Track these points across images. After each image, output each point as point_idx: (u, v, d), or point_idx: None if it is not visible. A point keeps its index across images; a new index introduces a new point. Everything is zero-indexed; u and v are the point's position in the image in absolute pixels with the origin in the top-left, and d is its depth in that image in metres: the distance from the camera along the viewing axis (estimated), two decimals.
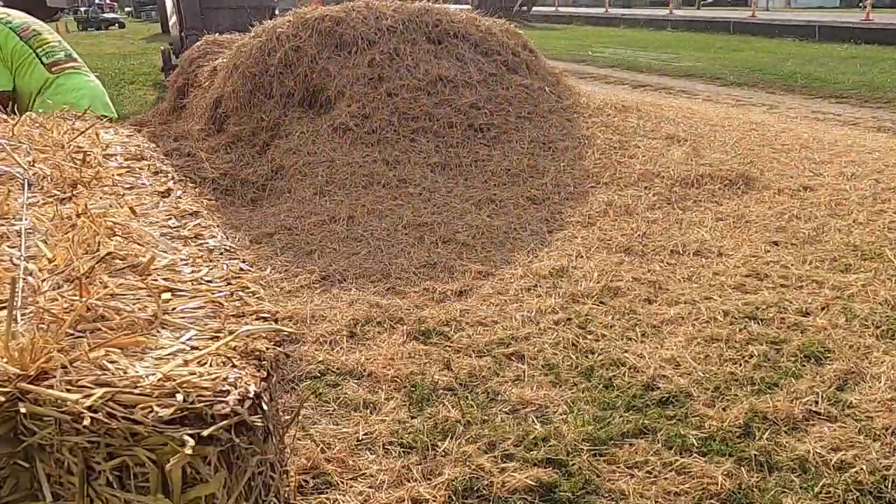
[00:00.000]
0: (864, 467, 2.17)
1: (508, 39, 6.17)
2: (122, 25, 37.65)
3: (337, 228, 4.33)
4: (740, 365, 2.83)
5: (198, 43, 7.44)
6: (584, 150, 5.30)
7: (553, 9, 32.76)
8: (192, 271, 1.39)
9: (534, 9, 29.27)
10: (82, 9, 43.40)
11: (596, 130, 5.60)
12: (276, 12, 11.52)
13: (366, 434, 2.49)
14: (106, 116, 3.87)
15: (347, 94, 5.37)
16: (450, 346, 3.06)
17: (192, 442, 0.91)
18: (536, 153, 5.20)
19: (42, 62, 3.62)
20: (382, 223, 4.39)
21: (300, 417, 2.58)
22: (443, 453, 2.35)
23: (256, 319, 1.24)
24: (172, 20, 12.69)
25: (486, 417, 2.57)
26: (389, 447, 2.40)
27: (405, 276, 3.76)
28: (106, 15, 39.20)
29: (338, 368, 2.92)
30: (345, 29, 5.62)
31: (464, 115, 5.37)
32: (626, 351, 2.94)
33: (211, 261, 1.50)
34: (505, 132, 5.38)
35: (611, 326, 3.17)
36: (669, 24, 23.72)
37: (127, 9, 52.60)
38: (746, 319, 3.18)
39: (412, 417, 2.59)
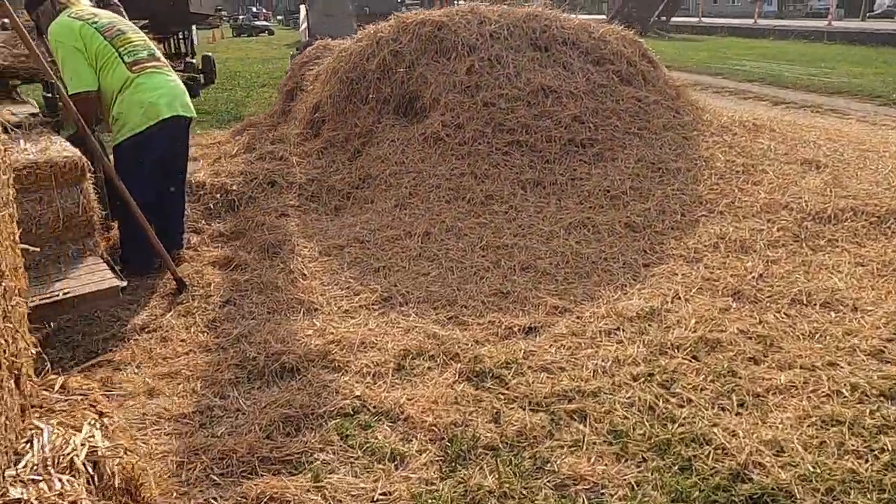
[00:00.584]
0: None
1: (625, 48, 5.63)
2: (270, 32, 40.07)
3: (410, 245, 4.04)
4: (866, 461, 2.21)
5: (310, 47, 7.48)
6: (700, 173, 4.68)
7: (696, 19, 31.02)
8: None
9: (676, 19, 27.83)
10: (241, 17, 46.88)
11: (717, 151, 4.94)
12: None
13: (383, 494, 2.15)
14: (182, 116, 3.83)
15: (442, 102, 5.09)
16: (503, 394, 2.66)
17: None
18: (642, 174, 4.65)
19: (123, 61, 3.62)
20: (459, 242, 4.05)
21: (318, 462, 2.29)
22: None
23: None
24: (302, 27, 13.09)
25: (526, 492, 2.15)
26: None
27: (472, 304, 3.39)
28: (257, 22, 42.02)
29: (374, 407, 2.61)
30: (446, 34, 5.35)
31: (565, 128, 4.91)
32: (715, 424, 2.41)
33: None
34: (609, 149, 4.87)
35: (701, 390, 2.63)
36: (826, 36, 21.60)
37: (279, 17, 56.14)
38: (882, 399, 2.52)
39: (441, 479, 2.22)
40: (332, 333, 3.13)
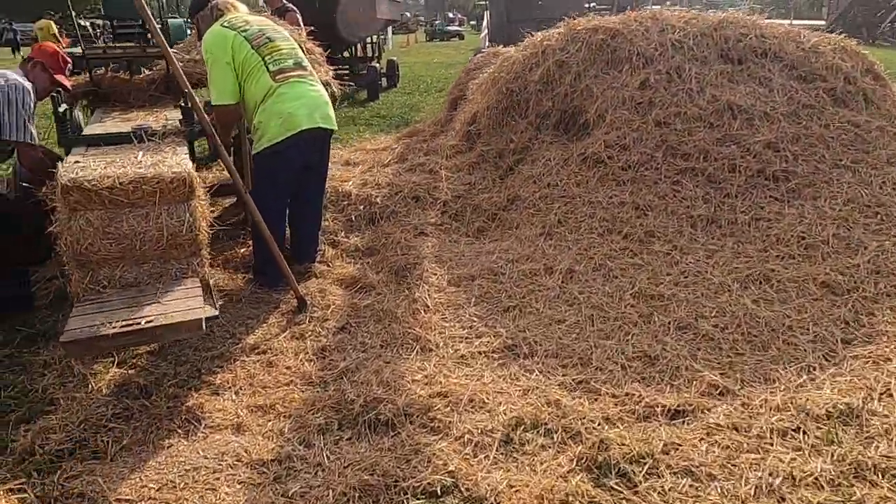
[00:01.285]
0: None
1: (843, 61, 4.64)
2: (461, 37, 40.98)
3: (549, 283, 3.54)
4: None
5: (478, 55, 7.20)
6: None
7: None
8: None
9: None
10: (436, 22, 48.62)
11: None
12: None
13: None
14: (322, 128, 3.67)
15: (608, 119, 4.51)
16: (629, 501, 2.11)
17: None
18: (852, 219, 3.73)
19: (268, 70, 3.52)
20: (606, 286, 3.48)
21: None
22: None
23: None
24: (483, 33, 12.94)
25: None
26: None
27: (608, 367, 2.84)
28: (449, 28, 43.23)
29: (467, 489, 2.19)
30: (619, 43, 4.76)
31: (754, 156, 4.11)
32: None
33: None
34: (810, 184, 3.99)
35: None
36: None
37: (472, 22, 57.45)
38: None
39: None
40: (441, 383, 2.75)
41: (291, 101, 3.55)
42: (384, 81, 13.55)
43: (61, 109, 2.87)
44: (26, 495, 2.20)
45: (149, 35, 4.52)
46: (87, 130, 3.36)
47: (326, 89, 4.72)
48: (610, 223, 3.98)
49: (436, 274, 3.76)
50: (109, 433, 2.49)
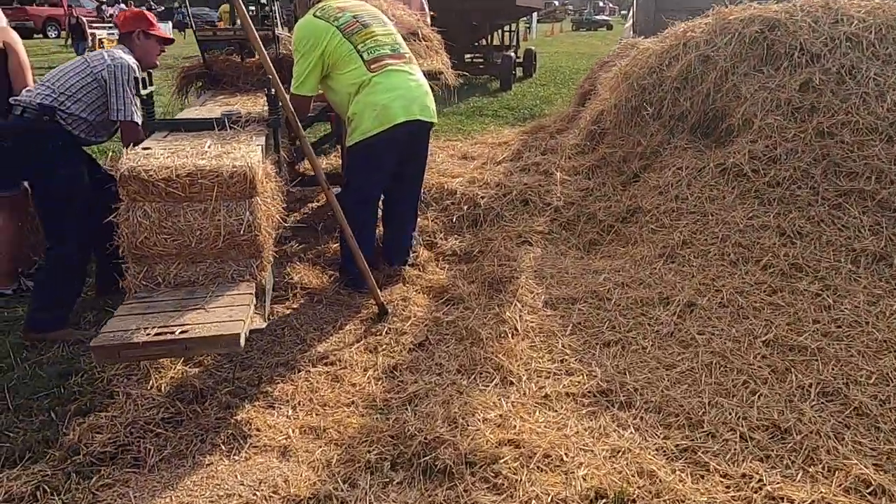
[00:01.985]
0: None
1: None
2: (609, 27, 39.36)
3: (662, 317, 3.02)
4: None
5: (616, 47, 6.59)
6: None
7: None
8: None
9: None
10: (585, 10, 47.11)
11: None
12: None
13: None
14: (420, 120, 3.36)
15: (756, 125, 3.84)
16: None
17: None
18: None
19: (362, 59, 3.25)
20: (733, 328, 2.90)
21: None
22: None
23: None
24: (628, 23, 12.10)
25: None
26: None
27: (724, 434, 2.31)
28: (597, 17, 41.65)
29: None
30: (778, 36, 4.03)
31: None
32: None
33: None
34: None
35: None
36: None
37: (623, 12, 55.17)
38: None
39: None
40: (515, 427, 2.36)
41: (387, 93, 3.27)
42: (518, 72, 13.10)
43: (145, 92, 2.76)
44: (56, 499, 2.08)
45: (262, 16, 4.38)
46: (182, 115, 3.27)
47: (438, 79, 4.43)
48: (747, 250, 3.36)
49: (532, 292, 3.35)
50: (154, 440, 2.35)
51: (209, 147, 2.40)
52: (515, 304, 3.23)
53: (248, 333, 2.17)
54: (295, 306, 3.33)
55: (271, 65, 2.72)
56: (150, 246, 2.24)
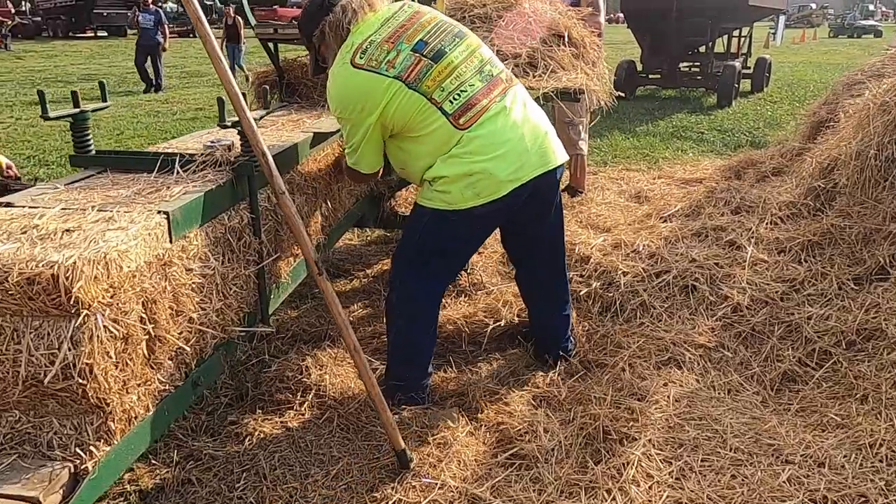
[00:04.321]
0: None
1: None
2: (878, 34, 33.16)
3: None
4: None
5: (876, 58, 4.65)
6: None
7: None
8: None
9: None
10: (849, 14, 40.56)
11: None
12: None
13: None
14: (540, 176, 2.16)
15: None
16: None
17: None
18: None
19: (444, 113, 2.09)
20: None
21: None
22: None
23: None
24: None
25: None
26: None
27: None
28: (862, 22, 35.39)
29: None
30: None
31: None
32: None
33: None
34: None
35: None
36: None
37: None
38: None
39: None
40: None
41: (486, 153, 2.10)
42: (746, 84, 10.91)
43: (65, 112, 1.87)
44: None
45: None
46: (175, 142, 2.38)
47: (578, 99, 3.14)
48: None
49: (652, 479, 1.96)
50: None
51: (89, 213, 1.45)
52: (616, 498, 1.88)
53: None
54: (292, 424, 2.30)
55: (227, 72, 1.69)
56: None
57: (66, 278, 1.23)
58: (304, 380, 2.49)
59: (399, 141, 2.21)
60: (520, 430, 2.23)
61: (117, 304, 1.34)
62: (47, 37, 26.52)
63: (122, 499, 1.97)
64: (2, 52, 19.74)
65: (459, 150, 2.12)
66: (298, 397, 2.42)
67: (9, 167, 2.60)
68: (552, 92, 2.96)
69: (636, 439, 2.12)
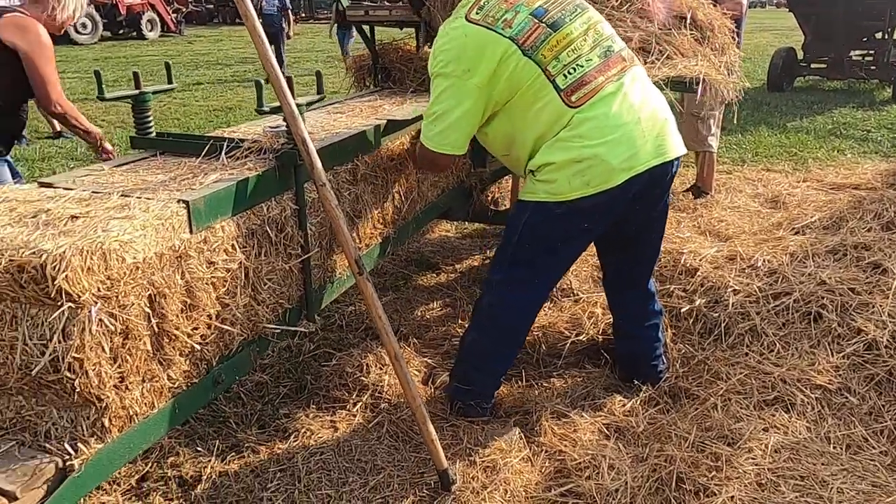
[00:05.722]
0: None
1: None
2: None
3: None
4: None
5: None
6: None
7: None
8: None
9: None
10: None
11: None
12: None
13: None
14: (654, 168, 1.92)
15: None
16: None
17: None
18: None
19: (556, 88, 1.88)
20: None
21: None
22: None
23: None
24: None
25: None
26: None
27: None
28: None
29: None
30: None
31: None
32: None
33: None
34: None
35: None
36: None
37: None
38: None
39: None
40: None
41: (598, 138, 1.87)
42: None
43: (113, 94, 1.85)
44: None
45: None
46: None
47: (693, 90, 2.76)
48: None
49: None
50: None
51: (113, 200, 1.40)
52: None
53: None
54: (340, 425, 2.20)
55: (268, 52, 1.58)
56: None
57: (53, 268, 1.17)
58: (363, 378, 2.39)
59: (503, 118, 1.99)
60: (581, 463, 1.98)
61: (115, 296, 1.28)
62: (217, 23, 28.72)
63: (161, 482, 1.98)
64: (176, 36, 21.63)
65: (568, 133, 1.90)
66: (353, 396, 2.32)
67: (106, 150, 2.70)
68: (662, 81, 2.61)
69: (716, 494, 1.79)
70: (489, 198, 3.54)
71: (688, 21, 2.99)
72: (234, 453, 2.07)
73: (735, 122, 5.39)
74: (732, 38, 3.23)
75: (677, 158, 2.04)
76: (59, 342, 1.22)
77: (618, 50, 2.00)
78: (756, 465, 1.89)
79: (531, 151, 2.00)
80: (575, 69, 1.90)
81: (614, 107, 1.91)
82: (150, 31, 20.77)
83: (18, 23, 2.42)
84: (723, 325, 2.56)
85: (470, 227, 4.03)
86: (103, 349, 1.27)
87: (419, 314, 2.97)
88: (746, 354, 2.41)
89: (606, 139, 1.89)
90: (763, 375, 2.28)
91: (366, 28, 3.08)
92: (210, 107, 8.97)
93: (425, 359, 2.56)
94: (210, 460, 2.03)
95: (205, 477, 1.97)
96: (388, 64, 3.19)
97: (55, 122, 2.91)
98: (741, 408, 2.14)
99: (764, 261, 2.80)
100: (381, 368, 2.43)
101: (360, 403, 2.28)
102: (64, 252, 1.18)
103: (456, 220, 3.65)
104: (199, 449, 2.09)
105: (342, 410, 2.26)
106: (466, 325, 2.79)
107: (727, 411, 2.13)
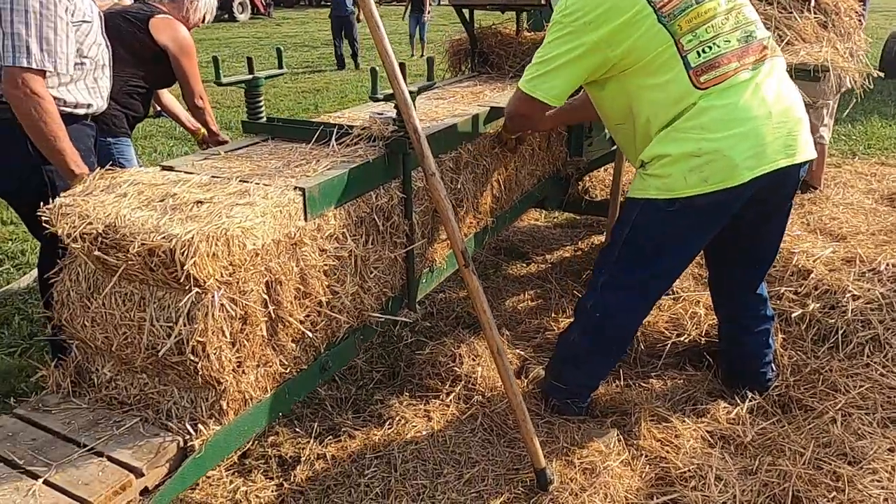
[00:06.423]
0: None
1: None
2: None
3: None
4: None
5: None
6: None
7: None
8: None
9: None
10: None
11: None
12: None
13: None
14: (782, 169, 1.81)
15: None
16: None
17: None
18: None
19: (686, 65, 1.76)
20: None
21: None
22: None
23: None
24: None
25: None
26: None
27: None
28: None
29: None
30: None
31: None
32: None
33: None
34: None
35: None
36: None
37: None
38: None
39: None
40: None
41: (723, 130, 1.75)
42: None
43: (233, 79, 1.87)
44: None
45: None
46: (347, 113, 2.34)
47: (816, 79, 2.58)
48: None
49: None
50: None
51: (232, 187, 1.42)
52: None
53: None
54: (434, 414, 2.19)
55: (384, 39, 1.56)
56: (78, 328, 1.41)
57: (182, 253, 1.19)
58: (456, 369, 2.37)
59: (620, 85, 1.87)
60: (685, 472, 1.89)
61: (237, 282, 1.29)
62: (303, 5, 29.27)
63: (262, 461, 2.03)
64: (265, 19, 22.23)
65: (687, 122, 1.77)
66: (447, 387, 2.30)
67: (213, 135, 2.76)
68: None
69: None
70: (582, 187, 3.44)
71: (811, 3, 2.79)
72: (331, 436, 2.09)
73: (847, 111, 5.04)
74: (859, 21, 3.00)
75: (806, 163, 1.89)
76: (185, 325, 1.24)
77: (760, 37, 1.85)
78: (882, 489, 1.76)
79: (644, 129, 1.88)
80: (710, 48, 1.77)
81: (745, 97, 1.77)
82: (241, 13, 21.44)
83: (170, 24, 2.52)
84: (840, 332, 2.39)
85: (560, 216, 3.94)
86: (224, 334, 1.29)
87: (510, 305, 2.93)
88: (867, 366, 2.24)
89: (732, 132, 1.76)
90: (888, 390, 2.11)
91: (465, 12, 3.03)
92: (298, 88, 9.15)
93: (517, 350, 2.52)
94: (308, 442, 2.06)
95: (304, 458, 2.00)
96: (486, 49, 3.13)
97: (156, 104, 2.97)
98: (863, 424, 1.99)
99: (889, 264, 2.59)
100: (473, 360, 2.40)
101: (454, 394, 2.26)
102: (192, 238, 1.20)
103: (550, 210, 3.57)
104: (297, 430, 2.13)
105: (435, 400, 2.25)
106: (561, 320, 2.74)
107: (847, 427, 1.98)
